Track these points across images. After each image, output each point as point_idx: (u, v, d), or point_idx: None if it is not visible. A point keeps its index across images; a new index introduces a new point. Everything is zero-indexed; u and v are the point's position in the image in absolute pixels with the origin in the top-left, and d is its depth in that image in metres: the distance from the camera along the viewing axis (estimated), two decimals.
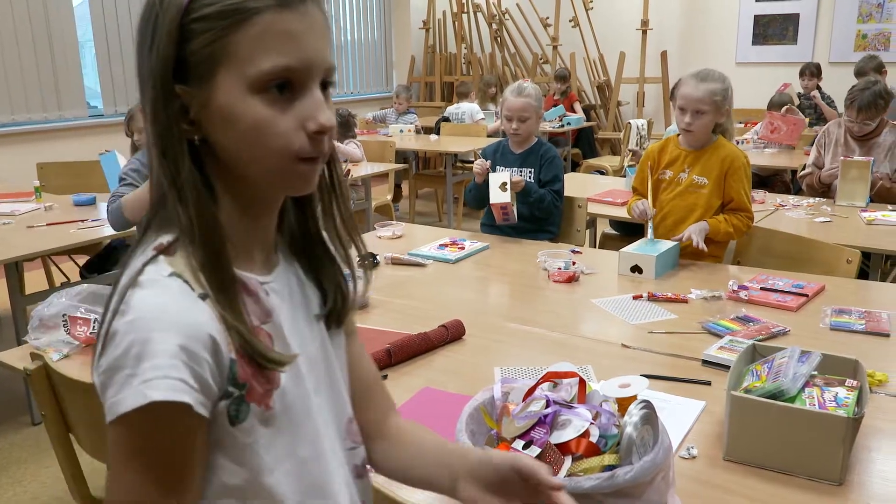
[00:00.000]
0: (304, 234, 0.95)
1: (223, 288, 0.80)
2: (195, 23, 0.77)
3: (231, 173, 0.83)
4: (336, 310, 0.97)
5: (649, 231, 2.68)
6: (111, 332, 0.75)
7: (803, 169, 4.14)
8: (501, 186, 2.88)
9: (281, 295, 0.89)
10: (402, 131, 6.90)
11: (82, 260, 3.80)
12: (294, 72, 0.79)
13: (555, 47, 9.18)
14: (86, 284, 2.01)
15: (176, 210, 0.80)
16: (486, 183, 3.04)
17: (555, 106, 7.74)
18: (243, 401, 0.80)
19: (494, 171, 3.07)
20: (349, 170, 2.46)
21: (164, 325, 0.74)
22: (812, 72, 6.53)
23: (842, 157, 3.64)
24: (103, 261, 3.59)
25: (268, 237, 0.91)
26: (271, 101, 0.79)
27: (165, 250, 0.80)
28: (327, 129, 0.81)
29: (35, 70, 5.81)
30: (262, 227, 0.89)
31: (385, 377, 1.72)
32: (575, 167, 7.65)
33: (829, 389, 1.36)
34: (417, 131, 7.04)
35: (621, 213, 3.22)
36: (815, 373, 1.43)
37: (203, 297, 0.78)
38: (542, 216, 3.08)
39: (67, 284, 3.19)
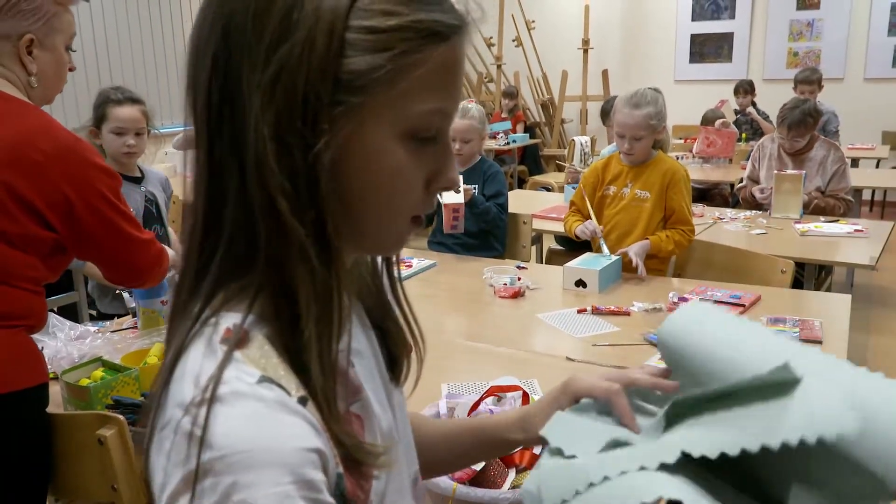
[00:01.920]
0: (378, 294, 0.82)
1: (325, 382, 0.60)
2: (359, 32, 0.58)
3: (345, 228, 0.63)
4: (402, 369, 0.84)
5: (604, 248, 2.73)
6: (200, 472, 0.54)
7: (740, 182, 4.28)
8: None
9: (363, 360, 0.74)
10: None
11: None
12: (447, 117, 0.65)
13: (499, 66, 9.30)
14: None
15: (290, 273, 0.60)
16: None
17: (502, 121, 7.85)
18: None
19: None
20: None
21: (270, 460, 0.55)
22: (746, 89, 6.75)
23: (775, 172, 3.77)
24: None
25: None
26: (412, 147, 0.63)
27: (240, 341, 0.60)
28: (454, 187, 0.69)
29: None
30: None
31: None
32: (521, 184, 7.74)
33: None
34: None
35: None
36: None
37: (303, 401, 0.59)
38: (488, 229, 3.12)
39: None
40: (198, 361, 0.59)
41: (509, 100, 8.25)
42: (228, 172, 0.60)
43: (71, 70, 1.58)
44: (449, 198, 2.90)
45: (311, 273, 0.60)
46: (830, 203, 3.77)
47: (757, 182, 4.05)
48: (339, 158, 0.60)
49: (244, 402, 0.56)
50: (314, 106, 0.58)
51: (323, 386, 0.60)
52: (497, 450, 0.96)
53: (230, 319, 0.61)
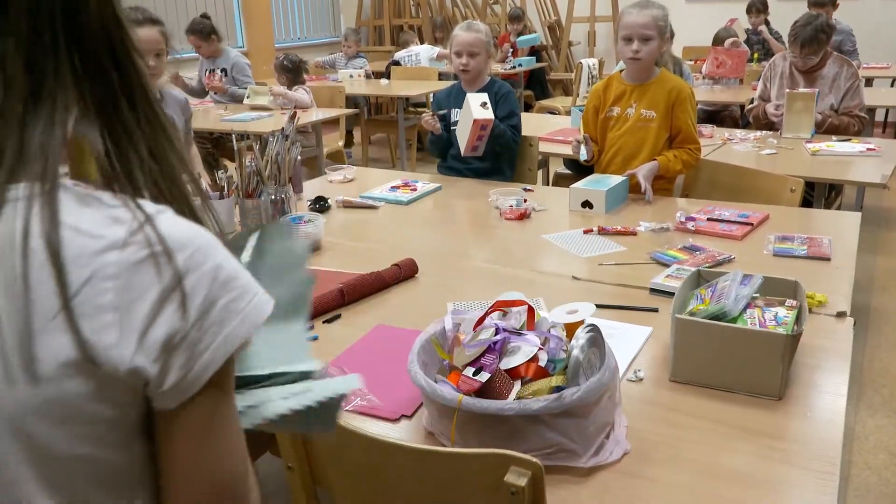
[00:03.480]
0: None
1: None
2: None
3: None
4: None
5: (582, 150, 2.76)
6: (181, 273, 0.59)
7: (751, 103, 4.19)
8: (482, 104, 2.83)
9: None
10: (351, 76, 6.80)
11: None
12: None
13: None
14: None
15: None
16: (444, 130, 3.04)
17: (512, 48, 7.74)
18: None
19: (449, 117, 3.05)
20: (295, 114, 2.42)
21: (216, 240, 0.64)
22: (759, 8, 6.56)
23: (787, 90, 3.69)
24: None
25: None
26: None
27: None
28: None
29: None
30: None
31: (338, 317, 1.72)
32: (528, 109, 7.63)
33: (770, 310, 1.40)
34: (367, 76, 6.93)
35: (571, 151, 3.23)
36: (757, 295, 1.47)
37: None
38: (500, 152, 3.07)
39: None
40: (89, 213, 0.60)
41: (516, 23, 8.05)
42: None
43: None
44: (479, 113, 2.80)
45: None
46: (844, 121, 3.70)
47: (768, 101, 3.97)
48: None
49: (165, 211, 0.62)
50: None
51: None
52: None
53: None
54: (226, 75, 5.49)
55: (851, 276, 1.85)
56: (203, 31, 5.34)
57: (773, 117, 3.82)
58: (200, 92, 5.63)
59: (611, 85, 2.83)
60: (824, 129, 3.67)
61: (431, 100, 3.25)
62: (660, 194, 2.69)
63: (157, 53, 2.62)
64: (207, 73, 5.45)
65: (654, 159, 2.68)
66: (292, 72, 5.25)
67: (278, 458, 1.23)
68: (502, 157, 3.10)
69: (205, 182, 2.41)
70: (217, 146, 5.40)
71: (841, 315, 1.62)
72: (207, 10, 7.56)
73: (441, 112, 3.08)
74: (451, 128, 3.04)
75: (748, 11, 6.63)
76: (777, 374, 1.29)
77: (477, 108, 2.79)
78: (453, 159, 3.16)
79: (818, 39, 3.63)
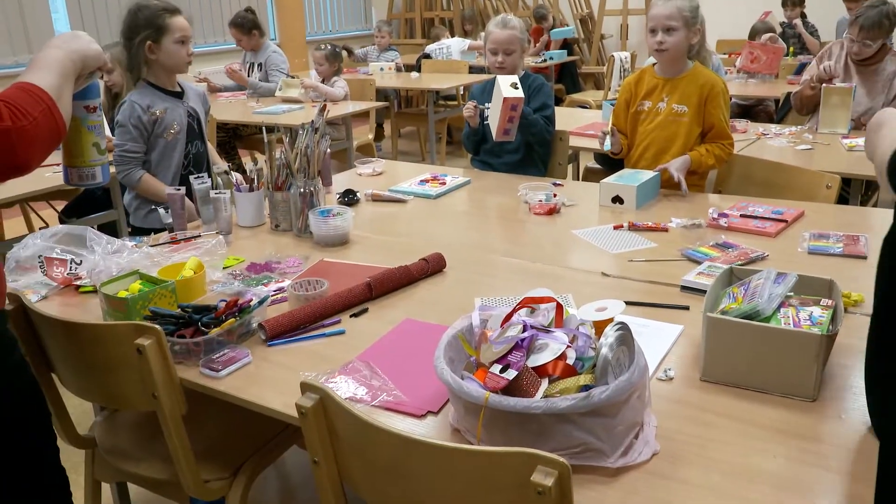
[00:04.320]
0: None
1: None
2: None
3: None
4: None
5: (606, 141, 2.73)
6: None
7: (787, 97, 4.10)
8: (512, 85, 2.81)
9: None
10: (382, 69, 6.80)
11: (61, 206, 3.76)
12: None
13: None
14: (61, 226, 1.98)
15: None
16: (480, 124, 3.02)
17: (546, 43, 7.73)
18: None
19: (483, 112, 3.03)
20: (325, 106, 2.42)
21: None
22: (795, 1, 6.44)
23: (824, 85, 3.59)
24: (81, 205, 3.55)
25: None
26: None
27: None
28: None
29: (2, 14, 5.66)
30: None
31: (366, 311, 1.72)
32: (559, 102, 7.57)
33: (805, 309, 1.37)
34: (398, 69, 6.93)
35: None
36: (791, 293, 1.44)
37: None
38: (534, 142, 3.04)
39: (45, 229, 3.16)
40: None
41: (543, 22, 7.99)
42: None
43: None
44: (509, 91, 2.76)
45: None
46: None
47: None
48: None
49: None
50: None
51: None
52: None
53: None
54: (260, 70, 5.53)
55: None
56: (244, 26, 5.40)
57: (826, 70, 3.60)
58: (235, 87, 5.69)
59: (643, 78, 2.80)
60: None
61: (470, 92, 3.23)
62: (692, 190, 2.65)
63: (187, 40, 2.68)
64: (232, 66, 5.49)
65: (686, 154, 2.64)
66: (337, 61, 5.26)
67: (305, 452, 1.23)
68: (535, 150, 3.08)
69: (234, 174, 2.42)
70: (235, 136, 5.45)
71: None
72: (241, 2, 7.62)
73: (473, 103, 3.06)
74: (485, 122, 3.02)
75: (784, 4, 6.51)
76: (811, 375, 1.26)
77: (507, 87, 2.77)
78: (487, 153, 3.14)
79: (881, 25, 3.46)
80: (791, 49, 6.27)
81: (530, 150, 3.07)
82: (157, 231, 2.33)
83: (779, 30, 6.14)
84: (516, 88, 2.77)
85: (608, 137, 2.73)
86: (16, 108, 1.22)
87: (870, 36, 3.50)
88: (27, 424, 1.42)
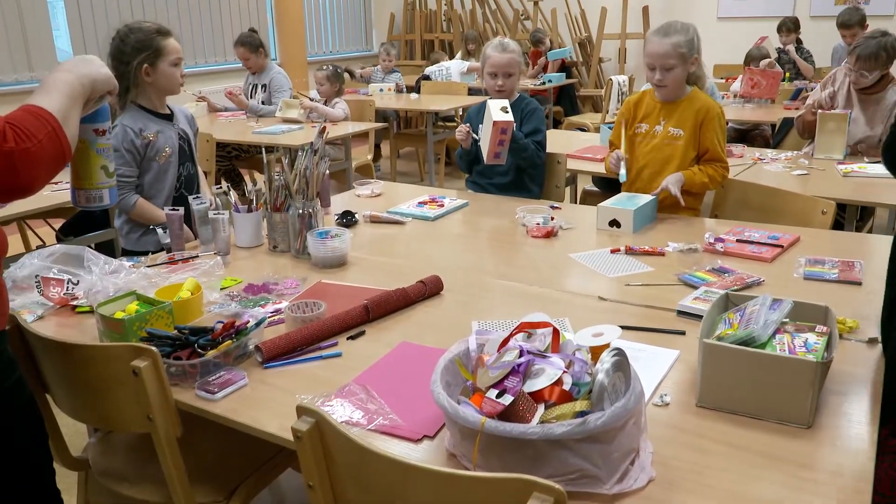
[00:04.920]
0: None
1: None
2: None
3: None
4: None
5: (622, 170, 2.69)
6: None
7: (783, 122, 4.13)
8: (502, 109, 2.83)
9: None
10: (381, 90, 6.83)
11: (58, 224, 3.76)
12: None
13: (536, 3, 9.08)
14: (58, 245, 1.99)
15: None
16: (473, 145, 3.05)
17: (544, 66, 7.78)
18: None
19: (477, 131, 3.06)
20: (325, 128, 2.43)
21: None
22: (789, 27, 6.51)
23: (820, 111, 3.62)
24: (79, 223, 3.55)
25: None
26: None
27: None
28: None
29: (3, 31, 5.69)
30: None
31: (363, 333, 1.73)
32: (557, 125, 7.62)
33: (800, 335, 1.38)
34: (399, 90, 6.97)
35: (601, 168, 3.21)
36: (787, 320, 1.44)
37: None
38: (525, 167, 3.07)
39: (42, 247, 3.16)
40: None
41: (539, 46, 8.04)
42: None
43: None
44: (499, 115, 2.80)
45: None
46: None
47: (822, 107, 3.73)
48: None
49: None
50: None
51: None
52: None
53: None
54: (263, 91, 5.56)
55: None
56: (252, 44, 5.43)
57: (821, 102, 3.64)
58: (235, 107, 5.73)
59: (642, 101, 2.83)
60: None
61: (466, 114, 3.27)
62: (688, 214, 2.67)
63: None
64: (231, 90, 5.53)
65: (680, 172, 2.66)
66: (339, 82, 5.30)
67: (300, 475, 1.23)
68: (526, 172, 3.10)
69: (233, 194, 2.43)
70: (236, 158, 5.48)
71: (872, 341, 1.59)
72: (242, 23, 7.67)
73: (467, 126, 3.09)
74: (478, 143, 3.05)
75: (779, 30, 6.58)
76: (806, 402, 1.26)
77: (497, 112, 2.80)
78: (478, 174, 3.18)
79: (877, 56, 3.47)
80: (787, 74, 6.33)
81: (521, 172, 3.10)
82: (153, 252, 2.33)
83: (774, 55, 6.20)
84: (506, 112, 2.80)
85: (622, 165, 2.71)
86: (21, 130, 1.22)
87: (866, 66, 3.52)
88: (25, 446, 1.42)
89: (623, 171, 2.69)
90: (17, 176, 1.21)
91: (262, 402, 1.43)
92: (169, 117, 2.80)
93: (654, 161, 2.76)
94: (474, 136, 3.06)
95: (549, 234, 2.42)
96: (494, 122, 2.78)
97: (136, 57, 2.61)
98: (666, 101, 2.74)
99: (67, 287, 1.87)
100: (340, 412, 1.36)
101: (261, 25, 7.98)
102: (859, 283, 1.92)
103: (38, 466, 1.46)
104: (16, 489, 1.39)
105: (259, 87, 5.58)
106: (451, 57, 8.26)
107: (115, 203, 1.65)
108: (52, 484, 1.50)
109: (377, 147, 7.04)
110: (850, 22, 5.63)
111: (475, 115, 3.18)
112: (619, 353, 1.18)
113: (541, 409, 1.13)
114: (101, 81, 1.46)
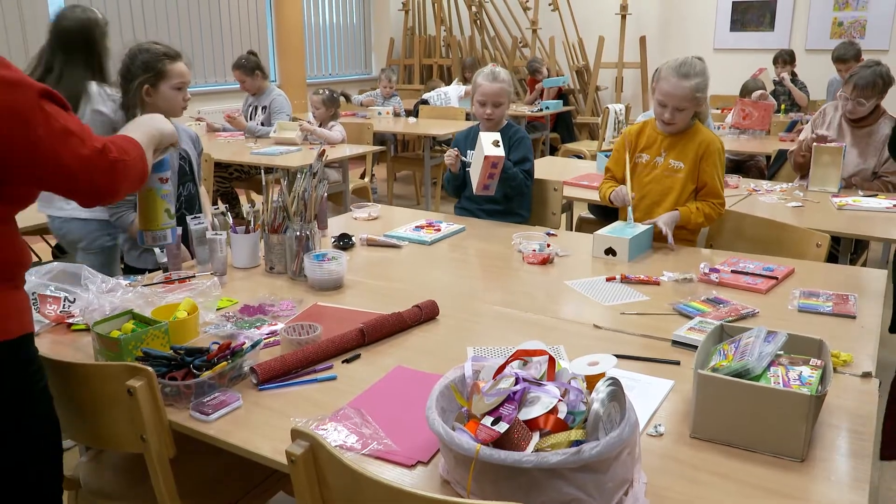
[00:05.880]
0: None
1: None
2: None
3: None
4: None
5: (629, 216, 2.68)
6: None
7: (780, 154, 4.16)
8: (494, 143, 2.86)
9: None
10: (379, 114, 6.87)
11: (55, 240, 3.76)
12: None
13: (534, 31, 9.17)
14: (55, 263, 1.99)
15: None
16: (462, 170, 3.08)
17: (540, 92, 7.86)
18: None
19: (465, 155, 3.09)
20: (324, 151, 2.45)
21: None
22: (785, 59, 6.59)
23: (815, 144, 3.65)
24: None
25: None
26: None
27: None
28: None
29: (6, 45, 5.72)
30: None
31: (358, 357, 1.73)
32: (553, 151, 7.67)
33: (794, 368, 1.38)
34: (396, 114, 7.01)
35: (597, 196, 3.23)
36: (781, 352, 1.45)
37: None
38: (513, 195, 3.10)
39: (39, 265, 3.15)
40: None
41: (536, 75, 8.11)
42: None
43: None
44: (490, 150, 2.82)
45: None
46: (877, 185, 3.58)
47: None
48: None
49: None
50: None
51: None
52: None
53: None
54: (263, 112, 5.59)
55: (877, 335, 1.83)
56: (247, 67, 5.47)
57: (809, 143, 3.67)
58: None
59: (644, 131, 2.84)
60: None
61: (454, 139, 3.30)
62: (684, 244, 2.68)
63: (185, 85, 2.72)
64: (230, 114, 5.57)
65: (676, 209, 2.68)
66: (334, 106, 5.33)
67: (292, 498, 1.22)
68: (514, 199, 3.13)
69: (229, 216, 2.44)
70: (235, 179, 5.50)
71: (866, 375, 1.60)
72: (243, 43, 7.72)
73: (455, 150, 3.12)
74: (467, 169, 3.08)
75: (774, 62, 6.65)
76: (800, 436, 1.27)
77: (489, 145, 2.83)
78: (467, 200, 3.21)
79: (874, 84, 3.52)
80: (783, 106, 6.39)
81: (509, 199, 3.12)
82: (150, 271, 2.34)
83: (771, 87, 6.27)
84: (497, 146, 2.84)
85: (630, 211, 2.69)
86: (118, 146, 1.43)
87: (864, 94, 3.56)
88: (43, 453, 1.45)
89: (630, 215, 2.66)
90: (114, 183, 1.40)
91: (257, 425, 1.43)
92: None
93: (653, 192, 2.78)
94: (464, 158, 3.09)
95: (545, 261, 2.43)
96: (486, 156, 2.82)
97: (140, 76, 2.62)
98: (667, 133, 2.76)
99: (64, 305, 1.87)
100: (335, 436, 1.36)
101: (261, 47, 8.03)
102: (853, 317, 1.93)
103: (51, 484, 1.48)
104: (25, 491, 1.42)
105: (259, 108, 5.62)
106: (448, 83, 8.32)
107: (174, 242, 1.92)
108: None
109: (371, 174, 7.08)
110: (846, 56, 5.70)
111: (463, 141, 3.22)
112: (615, 382, 1.19)
113: (536, 437, 1.13)
114: (167, 135, 1.70)
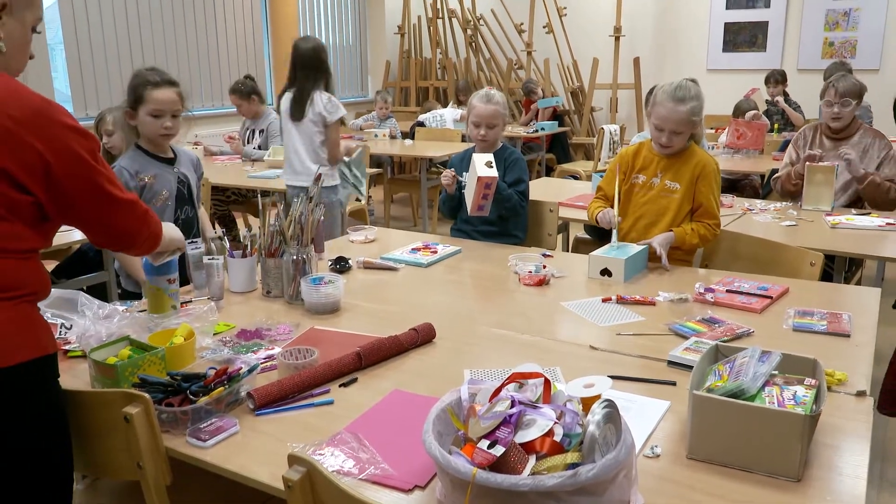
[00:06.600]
0: None
1: None
2: None
3: None
4: None
5: (614, 238, 2.69)
6: None
7: (773, 173, 4.19)
8: (487, 164, 2.88)
9: None
10: (376, 136, 6.91)
11: (51, 265, 3.76)
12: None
13: (529, 53, 9.24)
14: (52, 289, 1.99)
15: None
16: (458, 191, 3.10)
17: (536, 115, 7.91)
18: None
19: (461, 177, 3.11)
20: (319, 175, 2.47)
21: None
22: (777, 79, 6.64)
23: (808, 164, 3.68)
24: (74, 265, 3.55)
25: None
26: None
27: None
28: None
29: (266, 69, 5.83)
30: None
31: (355, 380, 1.73)
32: (549, 172, 7.70)
33: (789, 388, 1.39)
34: (393, 136, 7.05)
35: None
36: (776, 372, 1.46)
37: None
38: (508, 216, 3.11)
39: None
40: None
41: (532, 96, 8.17)
42: None
43: (30, 58, 1.54)
44: (483, 171, 2.84)
45: None
46: (885, 185, 3.59)
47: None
48: None
49: None
50: None
51: None
52: None
53: None
54: (261, 135, 5.63)
55: (871, 353, 1.84)
56: (243, 92, 5.52)
57: (792, 180, 3.75)
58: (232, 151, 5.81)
59: (640, 152, 2.86)
60: (864, 185, 3.58)
61: (449, 161, 3.32)
62: (679, 264, 2.69)
63: (173, 114, 2.70)
64: (230, 136, 5.62)
65: (671, 230, 2.69)
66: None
67: None
68: (510, 220, 3.15)
69: (226, 240, 2.44)
70: (233, 202, 5.53)
71: (861, 394, 1.61)
72: (240, 67, 7.77)
73: (451, 171, 3.14)
74: (462, 190, 3.10)
75: (766, 82, 6.71)
76: (796, 455, 1.27)
77: (482, 167, 2.85)
78: (462, 222, 3.23)
79: (853, 84, 3.66)
80: (776, 126, 6.43)
81: (504, 220, 3.14)
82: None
83: (763, 107, 6.31)
84: (491, 167, 2.86)
85: (615, 232, 2.69)
86: (143, 204, 1.62)
87: (848, 94, 3.67)
88: (57, 474, 1.47)
89: (615, 235, 2.66)
90: (142, 230, 1.61)
91: (253, 450, 1.43)
92: (171, 160, 2.82)
93: (649, 212, 2.80)
94: (460, 178, 3.11)
95: (541, 283, 2.44)
96: (479, 177, 2.84)
97: (125, 100, 2.68)
98: (663, 154, 2.78)
99: (60, 331, 1.87)
100: (332, 461, 1.36)
101: (258, 70, 8.08)
102: (848, 336, 1.94)
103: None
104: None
105: (256, 132, 5.65)
106: (445, 105, 8.37)
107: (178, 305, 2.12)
108: None
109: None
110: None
111: (458, 163, 3.24)
112: (610, 404, 1.19)
113: (532, 460, 1.13)
114: (176, 241, 1.90)
